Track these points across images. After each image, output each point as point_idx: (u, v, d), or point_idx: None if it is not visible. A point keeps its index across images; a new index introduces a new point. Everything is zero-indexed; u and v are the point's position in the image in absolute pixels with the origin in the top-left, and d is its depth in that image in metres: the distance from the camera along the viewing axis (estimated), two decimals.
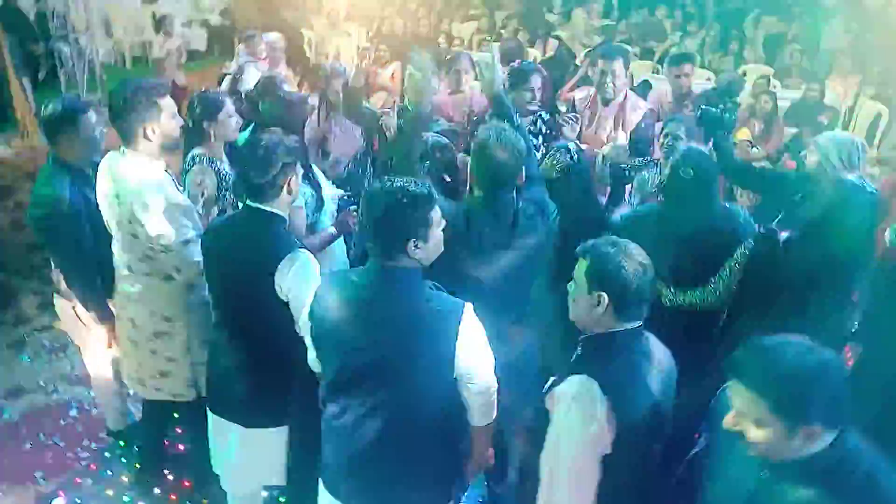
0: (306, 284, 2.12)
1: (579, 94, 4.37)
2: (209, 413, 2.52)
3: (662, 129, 3.57)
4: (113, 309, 2.86)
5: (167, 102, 2.52)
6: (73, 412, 3.73)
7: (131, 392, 3.27)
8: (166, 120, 2.51)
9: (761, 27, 10.63)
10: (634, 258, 1.79)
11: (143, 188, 2.45)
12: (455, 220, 2.45)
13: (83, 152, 2.78)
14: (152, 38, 11.07)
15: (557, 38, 8.43)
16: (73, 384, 3.93)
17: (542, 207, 2.54)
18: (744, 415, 1.44)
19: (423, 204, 1.88)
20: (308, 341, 2.06)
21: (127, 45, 10.88)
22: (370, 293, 1.89)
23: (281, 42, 5.72)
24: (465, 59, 4.44)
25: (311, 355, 2.09)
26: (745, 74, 7.82)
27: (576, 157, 2.99)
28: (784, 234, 2.75)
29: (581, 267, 1.84)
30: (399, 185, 1.87)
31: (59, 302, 3.15)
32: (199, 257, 2.48)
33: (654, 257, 1.88)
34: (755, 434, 1.42)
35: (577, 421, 1.74)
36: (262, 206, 2.26)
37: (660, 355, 1.89)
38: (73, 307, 3.05)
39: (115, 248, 2.66)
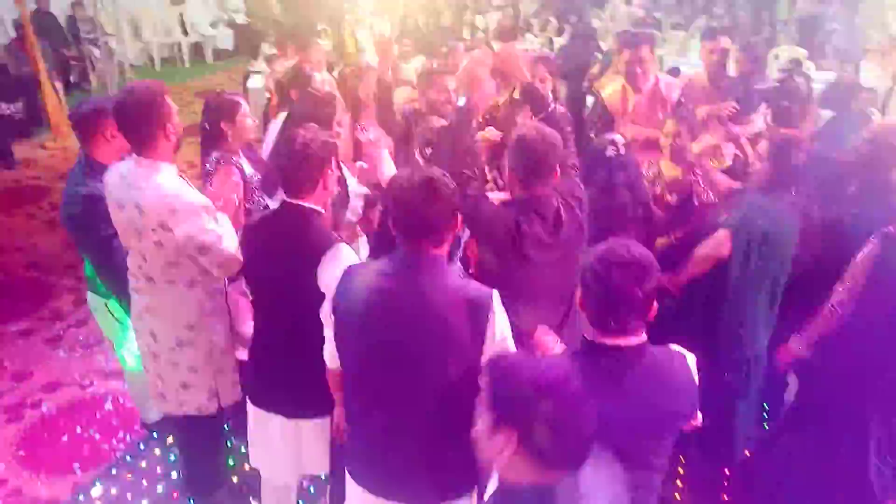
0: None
1: (607, 91, 4.21)
2: (249, 405, 2.54)
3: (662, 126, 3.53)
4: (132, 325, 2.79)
5: (171, 103, 2.45)
6: (109, 405, 3.80)
7: None
8: (177, 119, 2.44)
9: (796, 10, 10.40)
10: (604, 278, 1.62)
11: (167, 193, 2.39)
12: (504, 224, 2.42)
13: (115, 153, 2.81)
14: (180, 39, 11.28)
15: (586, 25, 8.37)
16: (108, 378, 4.00)
17: (578, 198, 2.52)
18: None
19: (451, 195, 1.88)
20: (328, 334, 2.06)
21: (155, 46, 11.05)
22: (397, 282, 1.88)
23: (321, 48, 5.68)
24: (460, 49, 4.43)
25: (329, 349, 2.08)
26: (777, 57, 7.64)
27: (622, 149, 2.95)
28: None
29: None
30: (428, 176, 1.87)
31: (92, 298, 3.20)
32: (233, 249, 2.45)
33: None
34: None
35: None
36: (300, 202, 2.27)
37: (657, 379, 1.72)
38: (106, 303, 3.11)
39: (132, 261, 2.57)
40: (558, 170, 2.47)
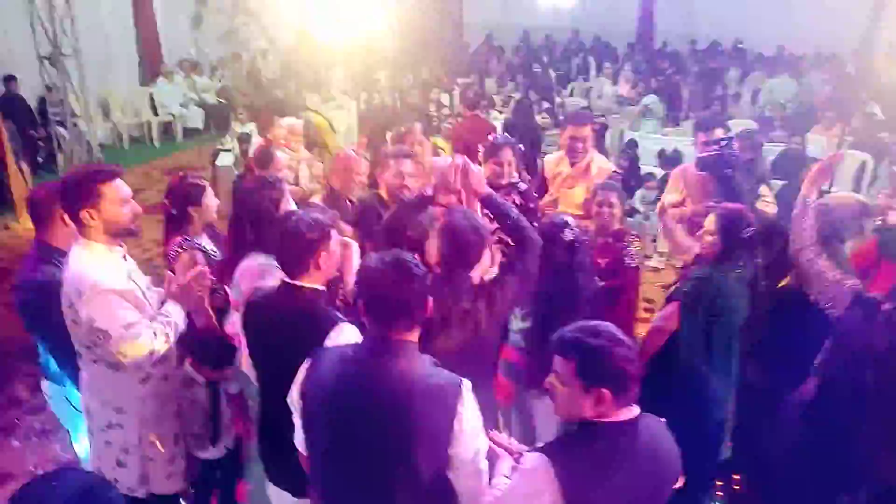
0: None
1: (550, 158, 4.47)
2: (267, 484, 2.49)
3: (593, 195, 3.60)
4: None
5: (112, 188, 2.40)
6: None
7: None
8: (109, 206, 2.39)
9: (747, 83, 10.96)
10: (620, 342, 1.72)
11: (79, 275, 2.37)
12: None
13: (69, 237, 2.79)
14: (150, 118, 11.39)
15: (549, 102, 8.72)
16: None
17: (493, 294, 2.49)
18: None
19: (423, 277, 1.89)
20: (297, 420, 2.02)
21: (124, 126, 11.14)
22: (366, 368, 1.86)
23: (298, 127, 5.64)
24: (417, 130, 4.57)
25: (300, 435, 2.03)
26: (728, 130, 7.99)
27: (577, 230, 2.98)
28: (887, 305, 2.51)
29: (566, 366, 1.75)
30: (399, 257, 1.89)
31: (47, 386, 3.11)
32: (145, 340, 2.40)
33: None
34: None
35: (520, 492, 1.75)
36: (298, 283, 2.26)
37: (654, 448, 1.80)
38: (62, 390, 3.03)
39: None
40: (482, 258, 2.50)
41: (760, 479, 3.19)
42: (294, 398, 1.98)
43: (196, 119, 11.82)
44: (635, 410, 1.77)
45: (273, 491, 2.49)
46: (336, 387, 1.86)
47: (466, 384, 1.86)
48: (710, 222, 2.90)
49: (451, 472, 1.87)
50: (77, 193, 2.38)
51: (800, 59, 11.94)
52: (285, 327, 2.26)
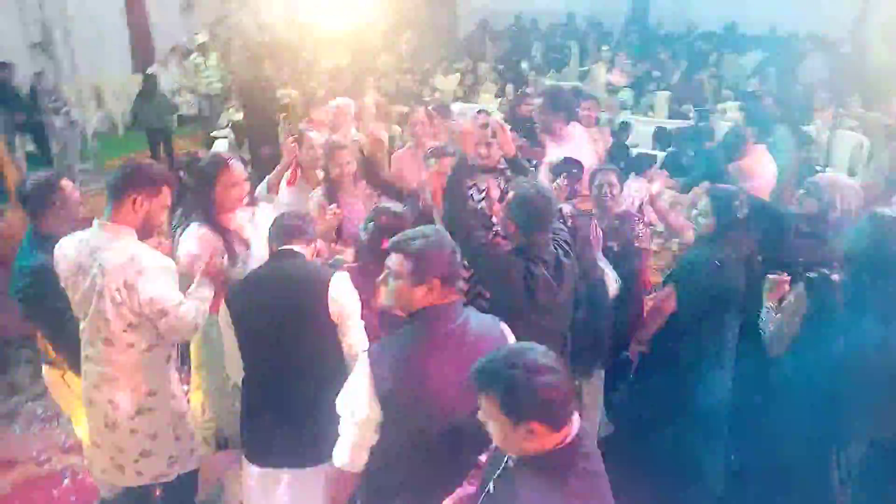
0: (354, 297, 2.45)
1: None
2: (251, 469, 2.55)
3: (591, 179, 3.58)
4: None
5: (164, 193, 2.55)
6: (66, 482, 3.66)
7: None
8: (156, 206, 2.53)
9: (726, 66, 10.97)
10: (540, 369, 1.56)
11: (133, 254, 2.43)
12: (517, 269, 2.53)
13: (64, 224, 2.82)
14: None
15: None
16: (67, 453, 3.87)
17: (567, 242, 2.69)
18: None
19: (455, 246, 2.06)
20: (350, 429, 1.99)
21: (118, 113, 11.06)
22: (456, 335, 1.97)
23: (349, 107, 5.33)
24: (422, 112, 4.53)
25: (349, 444, 2.01)
26: (725, 112, 8.00)
27: (569, 220, 2.98)
28: (836, 277, 2.53)
29: (490, 403, 1.60)
30: (430, 229, 2.08)
31: (47, 371, 3.13)
32: (193, 314, 2.53)
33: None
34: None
35: None
36: (295, 248, 2.48)
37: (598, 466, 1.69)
38: (62, 374, 3.04)
39: (89, 328, 2.54)
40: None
41: (756, 459, 3.22)
42: (364, 407, 1.94)
43: (191, 106, 11.73)
44: (575, 425, 1.63)
45: (254, 471, 2.55)
46: (432, 367, 1.94)
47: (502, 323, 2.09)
48: (703, 203, 2.90)
49: None
50: (149, 184, 2.50)
51: (793, 40, 11.91)
52: (290, 286, 2.42)
